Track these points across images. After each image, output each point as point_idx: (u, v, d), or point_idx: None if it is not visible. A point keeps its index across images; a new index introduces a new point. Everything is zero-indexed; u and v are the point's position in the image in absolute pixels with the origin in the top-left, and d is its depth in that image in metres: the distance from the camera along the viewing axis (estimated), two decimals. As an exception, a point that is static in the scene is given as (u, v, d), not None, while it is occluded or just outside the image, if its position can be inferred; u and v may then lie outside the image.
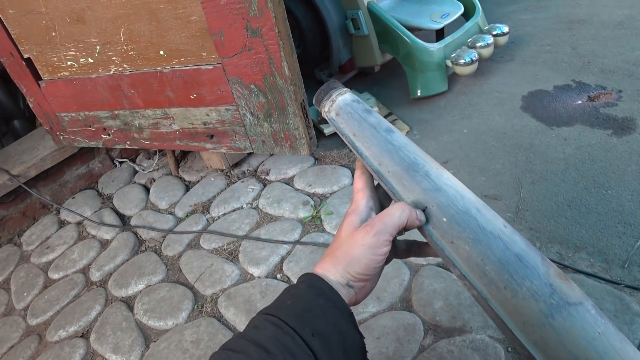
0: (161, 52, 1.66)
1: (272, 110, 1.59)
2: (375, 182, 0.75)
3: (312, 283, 0.64)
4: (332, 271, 0.64)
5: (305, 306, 0.61)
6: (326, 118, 0.81)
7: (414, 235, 0.72)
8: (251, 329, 0.61)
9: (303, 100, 1.55)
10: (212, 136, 1.81)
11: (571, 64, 2.47)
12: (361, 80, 2.74)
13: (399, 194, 0.71)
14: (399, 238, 0.77)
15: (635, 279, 1.32)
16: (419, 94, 2.28)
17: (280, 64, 1.47)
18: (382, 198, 0.77)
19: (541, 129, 1.97)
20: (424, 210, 0.68)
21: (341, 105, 0.78)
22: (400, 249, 0.79)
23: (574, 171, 1.71)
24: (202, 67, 1.62)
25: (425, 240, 0.72)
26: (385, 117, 2.23)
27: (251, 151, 1.77)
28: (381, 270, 0.72)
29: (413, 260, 1.46)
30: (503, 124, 2.04)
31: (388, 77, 2.67)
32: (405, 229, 0.66)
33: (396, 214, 0.64)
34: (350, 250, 0.64)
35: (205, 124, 1.78)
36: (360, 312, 1.35)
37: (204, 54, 1.58)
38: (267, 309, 0.63)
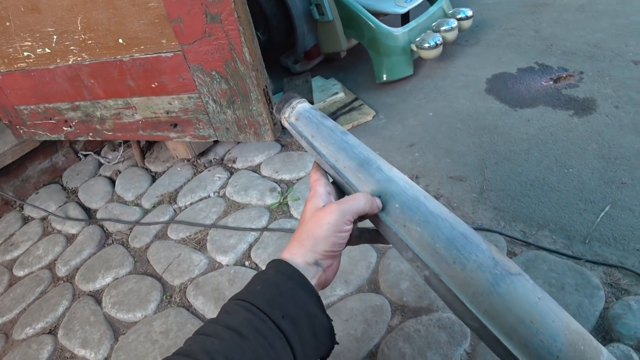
0: (120, 41, 1.63)
1: (234, 97, 1.58)
2: (331, 180, 0.80)
3: (281, 268, 0.66)
4: (300, 253, 0.67)
5: (275, 291, 0.63)
6: (286, 124, 0.88)
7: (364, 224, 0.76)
8: (224, 315, 0.62)
9: (266, 86, 1.54)
10: (175, 125, 1.78)
11: (534, 47, 2.50)
12: (328, 66, 2.73)
13: (355, 186, 0.75)
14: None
15: (595, 254, 1.35)
16: (384, 79, 2.28)
17: (241, 50, 1.45)
18: (337, 192, 0.80)
19: (505, 110, 1.99)
20: (379, 197, 0.73)
21: (301, 111, 0.86)
22: (354, 236, 0.82)
23: (537, 151, 1.74)
24: (163, 54, 1.59)
25: (375, 228, 0.77)
26: (352, 102, 2.23)
27: (215, 139, 1.76)
28: (341, 254, 0.75)
29: (380, 245, 1.47)
30: (468, 106, 2.05)
31: (354, 62, 2.67)
32: (364, 216, 0.70)
33: (362, 199, 0.67)
34: (315, 229, 0.66)
35: (168, 113, 1.76)
36: (328, 296, 1.35)
37: (164, 41, 1.56)
38: (238, 295, 0.65)
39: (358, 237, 0.81)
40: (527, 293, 0.67)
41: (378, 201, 0.69)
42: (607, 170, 1.62)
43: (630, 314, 1.16)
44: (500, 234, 1.42)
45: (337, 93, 2.27)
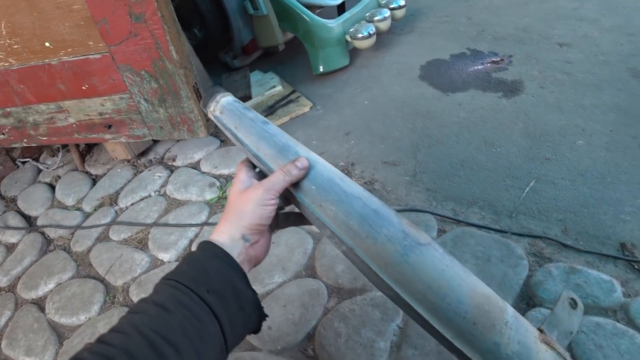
0: (47, 44, 1.61)
1: (165, 95, 1.58)
2: (257, 170, 0.85)
3: (206, 248, 0.69)
4: (226, 230, 0.71)
5: (200, 268, 0.67)
6: (211, 117, 0.92)
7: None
8: (152, 294, 0.65)
9: (196, 83, 1.55)
10: (110, 126, 1.77)
11: (466, 33, 2.57)
12: (267, 60, 2.75)
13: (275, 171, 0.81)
14: (281, 212, 0.87)
15: (521, 227, 1.41)
16: (321, 70, 2.31)
17: (167, 48, 1.46)
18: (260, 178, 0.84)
19: (437, 95, 2.05)
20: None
21: (224, 104, 0.90)
22: (281, 219, 0.87)
23: (467, 133, 1.80)
24: (91, 56, 1.58)
25: (300, 212, 0.83)
26: (289, 94, 2.26)
27: (150, 138, 1.75)
28: (270, 234, 0.81)
29: (315, 229, 1.50)
30: (402, 93, 2.10)
31: (293, 55, 2.69)
32: (291, 199, 0.76)
33: (279, 174, 0.72)
34: (240, 206, 0.71)
35: (101, 115, 1.74)
36: (267, 284, 1.37)
37: (91, 43, 1.55)
38: (166, 275, 0.68)
39: (285, 220, 0.86)
40: (435, 261, 0.72)
41: (299, 163, 0.74)
42: (532, 147, 1.69)
43: (551, 280, 1.22)
44: (432, 213, 1.47)
45: (275, 86, 2.29)
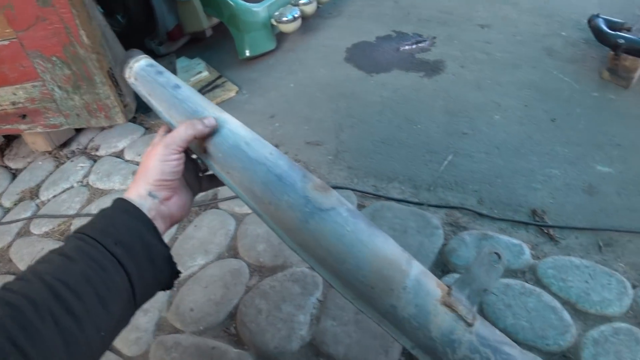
0: (-51, 30, 1.53)
1: (79, 82, 1.53)
2: None
3: (117, 204, 0.69)
4: (134, 188, 0.71)
5: (108, 222, 0.66)
6: (130, 85, 0.90)
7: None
8: (60, 246, 0.64)
9: (110, 68, 1.51)
10: (24, 116, 1.70)
11: (393, 16, 2.61)
12: (194, 46, 2.70)
13: None
14: (206, 174, 0.89)
15: (439, 199, 1.45)
16: (247, 54, 2.29)
17: (77, 33, 1.41)
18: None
19: (362, 76, 2.07)
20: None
21: (137, 70, 0.88)
22: (206, 181, 0.88)
23: (389, 112, 1.83)
24: (-2, 43, 1.51)
25: None
26: (215, 80, 2.23)
27: (67, 126, 1.70)
28: (190, 193, 0.82)
29: (238, 210, 1.49)
30: (327, 75, 2.11)
31: (221, 41, 2.66)
32: (200, 139, 0.76)
33: (181, 129, 0.72)
34: (145, 164, 0.71)
35: (14, 104, 1.67)
36: (189, 267, 1.36)
37: (-3, 29, 1.48)
38: (76, 229, 0.67)
39: (209, 182, 0.87)
40: (336, 227, 0.72)
41: (207, 121, 0.74)
42: (451, 123, 1.73)
43: (464, 247, 1.26)
44: (352, 189, 1.49)
45: (201, 72, 2.26)
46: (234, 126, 0.81)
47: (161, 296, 1.30)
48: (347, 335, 1.12)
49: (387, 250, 0.73)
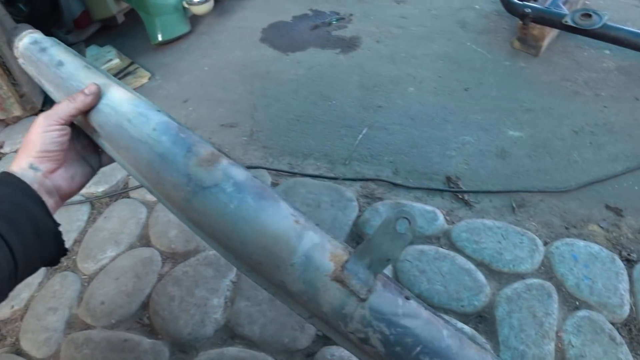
0: None
1: (-30, 73, 1.42)
2: None
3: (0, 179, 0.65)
4: (16, 162, 0.67)
5: None
6: (22, 67, 0.85)
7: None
8: None
9: (0, 57, 1.40)
10: None
11: (309, -5, 2.57)
12: (106, 33, 2.57)
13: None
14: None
15: (355, 172, 1.44)
16: (160, 39, 2.21)
17: (-34, 21, 1.30)
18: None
19: (277, 56, 2.03)
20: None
21: (22, 50, 0.83)
22: (105, 157, 0.84)
23: (304, 89, 1.80)
24: None
25: None
26: (127, 67, 2.13)
27: (-42, 120, 1.58)
28: (84, 167, 0.78)
29: (149, 197, 1.43)
30: (242, 57, 2.06)
31: (133, 27, 2.53)
32: (85, 119, 0.73)
33: (64, 102, 0.70)
34: (27, 138, 0.68)
35: None
36: (99, 260, 1.29)
37: None
38: None
39: (110, 157, 0.83)
40: (219, 205, 0.69)
41: (88, 90, 0.71)
42: (366, 97, 1.72)
43: (377, 216, 1.25)
44: (266, 168, 1.45)
45: (111, 60, 2.16)
46: (117, 102, 0.75)
47: (71, 293, 1.23)
48: (262, 314, 1.09)
49: (273, 226, 0.69)
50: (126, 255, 1.29)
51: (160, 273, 1.23)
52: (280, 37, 2.17)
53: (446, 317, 1.06)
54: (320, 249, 0.69)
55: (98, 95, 0.73)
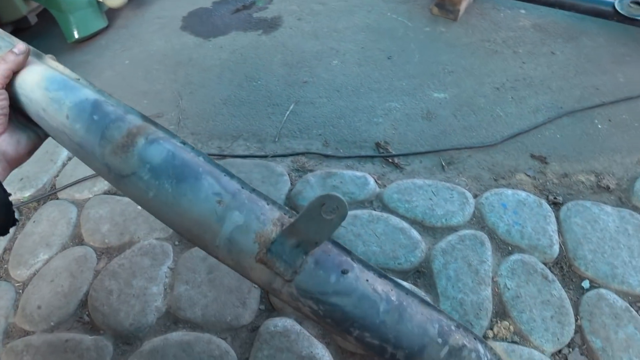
0: None
1: None
2: None
3: None
4: None
5: None
6: None
7: None
8: None
9: None
10: None
11: (228, -19, 2.53)
12: (19, 36, 2.44)
13: None
14: None
15: (285, 148, 1.43)
16: (76, 37, 2.13)
17: None
18: None
19: (199, 42, 2.00)
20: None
21: None
22: None
23: (229, 72, 1.78)
24: None
25: None
26: (42, 68, 2.05)
27: None
28: (33, 135, 0.75)
29: (78, 196, 1.39)
30: (164, 46, 2.02)
31: (48, 26, 2.43)
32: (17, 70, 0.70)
33: None
34: None
35: None
36: (32, 265, 1.24)
37: None
38: None
39: None
40: (140, 192, 0.69)
41: (16, 50, 0.69)
42: (290, 74, 1.71)
43: (309, 187, 1.25)
44: (205, 154, 1.42)
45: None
46: (30, 89, 0.72)
47: (5, 302, 1.18)
48: (203, 295, 1.08)
49: (194, 211, 0.68)
50: (59, 257, 1.25)
51: (97, 269, 1.19)
52: (201, 23, 2.13)
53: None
54: (244, 230, 0.68)
55: (27, 54, 0.72)
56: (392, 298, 0.72)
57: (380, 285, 0.72)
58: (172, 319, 1.07)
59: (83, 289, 1.17)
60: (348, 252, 0.73)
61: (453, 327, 0.77)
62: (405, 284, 1.07)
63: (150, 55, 1.97)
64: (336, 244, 0.73)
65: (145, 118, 0.75)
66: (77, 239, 1.29)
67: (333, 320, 0.69)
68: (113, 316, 1.08)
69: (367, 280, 0.71)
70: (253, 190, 0.72)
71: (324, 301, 0.68)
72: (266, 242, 0.67)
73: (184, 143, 0.73)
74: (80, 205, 1.37)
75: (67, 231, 1.31)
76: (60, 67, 0.79)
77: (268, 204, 0.71)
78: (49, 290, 1.17)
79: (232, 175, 0.72)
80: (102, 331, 1.08)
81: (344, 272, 0.70)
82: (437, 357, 0.73)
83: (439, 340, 0.74)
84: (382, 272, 0.75)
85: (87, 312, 1.12)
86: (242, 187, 0.71)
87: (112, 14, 2.28)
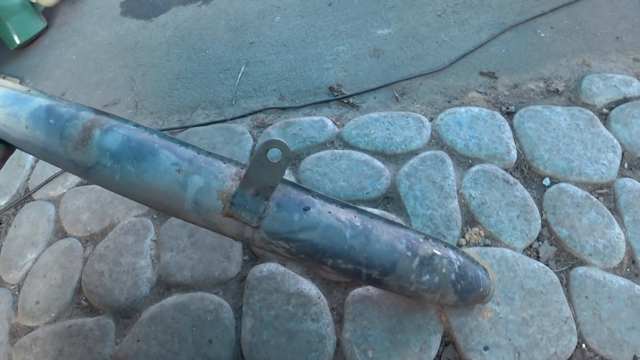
0: None
1: None
2: None
3: None
4: None
5: None
6: None
7: None
8: None
9: None
10: None
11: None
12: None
13: None
14: None
15: (243, 109, 1.47)
16: (18, 42, 2.11)
17: None
18: None
19: (142, 24, 2.00)
20: None
21: None
22: None
23: (176, 48, 1.79)
24: None
25: None
26: (-8, 79, 2.03)
27: None
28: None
29: (52, 193, 1.42)
30: (108, 35, 2.01)
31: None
32: None
33: None
34: None
35: None
36: (21, 266, 1.28)
37: None
38: None
39: None
40: (107, 179, 0.77)
41: None
42: (237, 38, 1.73)
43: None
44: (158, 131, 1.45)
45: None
46: None
47: (4, 306, 1.22)
48: (189, 258, 1.13)
49: (157, 184, 0.74)
50: (47, 253, 1.29)
51: (84, 257, 1.23)
52: (140, 5, 2.13)
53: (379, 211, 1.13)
54: (206, 191, 0.75)
55: None
56: (357, 223, 0.78)
57: (344, 214, 0.77)
58: (164, 286, 1.12)
59: (75, 277, 1.21)
60: (308, 191, 0.79)
61: (421, 239, 0.83)
62: (376, 210, 1.13)
63: (96, 46, 1.97)
64: (295, 185, 0.79)
65: (97, 111, 0.80)
66: (60, 233, 1.33)
67: (306, 255, 0.76)
68: (108, 295, 1.13)
69: (330, 212, 0.77)
70: (209, 153, 0.77)
71: (293, 239, 0.74)
72: (228, 197, 0.73)
73: (137, 125, 0.78)
74: (56, 201, 1.40)
75: (49, 227, 1.34)
76: (10, 83, 0.83)
77: (224, 163, 0.77)
78: (44, 285, 1.21)
79: (186, 145, 0.77)
80: (101, 311, 1.13)
81: (306, 209, 0.77)
82: (409, 269, 0.80)
83: (409, 253, 0.80)
84: (345, 203, 0.81)
85: (83, 297, 1.17)
86: (198, 153, 0.77)
87: (50, 13, 2.26)
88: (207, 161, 0.77)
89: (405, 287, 0.82)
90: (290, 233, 0.74)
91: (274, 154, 0.70)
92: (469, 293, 0.87)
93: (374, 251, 0.77)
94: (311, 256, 0.77)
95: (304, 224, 0.75)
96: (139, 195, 0.75)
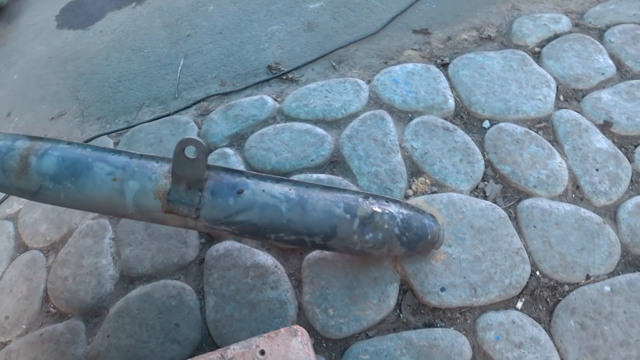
0: None
1: None
2: None
3: None
4: None
5: None
6: None
7: None
8: None
9: None
10: None
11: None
12: None
13: None
14: None
15: (187, 101, 1.48)
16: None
17: None
18: None
19: (79, 34, 1.99)
20: None
21: None
22: None
23: (115, 52, 1.79)
24: None
25: None
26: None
27: None
28: None
29: (10, 211, 1.42)
30: (46, 50, 2.01)
31: None
32: None
33: None
34: None
35: None
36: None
37: None
38: None
39: None
40: (54, 199, 0.81)
41: None
42: (173, 33, 1.74)
43: (213, 124, 1.31)
44: (105, 134, 1.47)
45: None
46: None
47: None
48: (147, 250, 1.15)
49: (98, 195, 0.79)
50: (10, 269, 1.30)
51: (48, 266, 1.25)
52: (75, 16, 2.12)
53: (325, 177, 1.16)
54: (143, 193, 0.79)
55: None
56: (292, 196, 0.82)
57: (278, 189, 0.81)
58: (127, 280, 1.14)
59: (41, 286, 1.22)
60: (241, 173, 0.83)
61: (360, 200, 0.86)
62: (322, 176, 1.16)
63: (36, 62, 1.96)
64: (228, 170, 0.83)
65: (32, 137, 0.83)
66: (21, 248, 1.34)
67: (249, 233, 0.80)
68: (75, 298, 1.14)
69: (264, 190, 0.81)
70: (141, 156, 0.81)
71: (232, 222, 0.78)
72: (164, 195, 0.78)
73: (69, 143, 0.83)
74: (13, 218, 1.40)
75: (10, 244, 1.35)
76: None
77: (157, 162, 0.81)
78: (11, 300, 1.22)
79: (119, 152, 0.82)
80: (70, 314, 1.14)
81: (240, 192, 0.81)
82: (350, 230, 0.83)
83: (347, 216, 0.83)
84: (279, 178, 0.84)
85: (51, 305, 1.18)
86: (131, 158, 0.81)
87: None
88: (139, 164, 0.81)
89: (351, 248, 0.85)
90: (228, 217, 0.78)
91: (191, 150, 0.74)
92: (416, 242, 0.90)
93: (312, 220, 0.81)
94: (254, 234, 0.81)
95: (239, 206, 0.79)
96: (86, 206, 0.80)
